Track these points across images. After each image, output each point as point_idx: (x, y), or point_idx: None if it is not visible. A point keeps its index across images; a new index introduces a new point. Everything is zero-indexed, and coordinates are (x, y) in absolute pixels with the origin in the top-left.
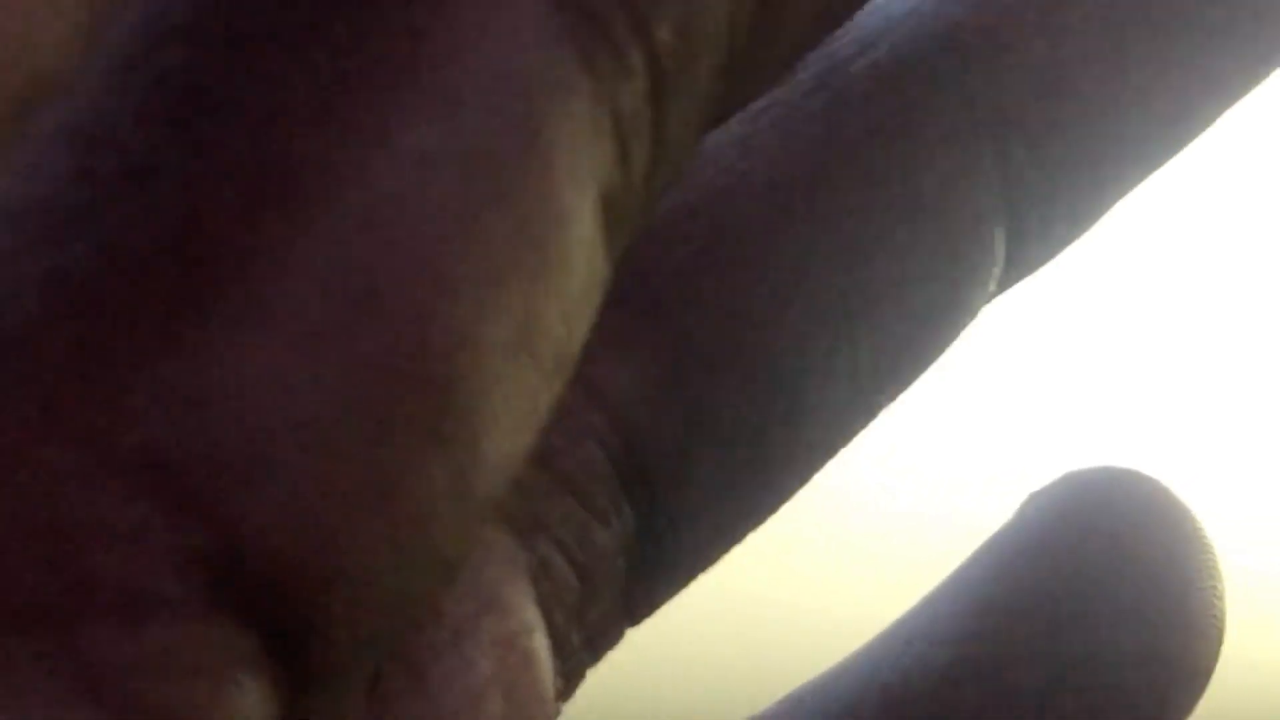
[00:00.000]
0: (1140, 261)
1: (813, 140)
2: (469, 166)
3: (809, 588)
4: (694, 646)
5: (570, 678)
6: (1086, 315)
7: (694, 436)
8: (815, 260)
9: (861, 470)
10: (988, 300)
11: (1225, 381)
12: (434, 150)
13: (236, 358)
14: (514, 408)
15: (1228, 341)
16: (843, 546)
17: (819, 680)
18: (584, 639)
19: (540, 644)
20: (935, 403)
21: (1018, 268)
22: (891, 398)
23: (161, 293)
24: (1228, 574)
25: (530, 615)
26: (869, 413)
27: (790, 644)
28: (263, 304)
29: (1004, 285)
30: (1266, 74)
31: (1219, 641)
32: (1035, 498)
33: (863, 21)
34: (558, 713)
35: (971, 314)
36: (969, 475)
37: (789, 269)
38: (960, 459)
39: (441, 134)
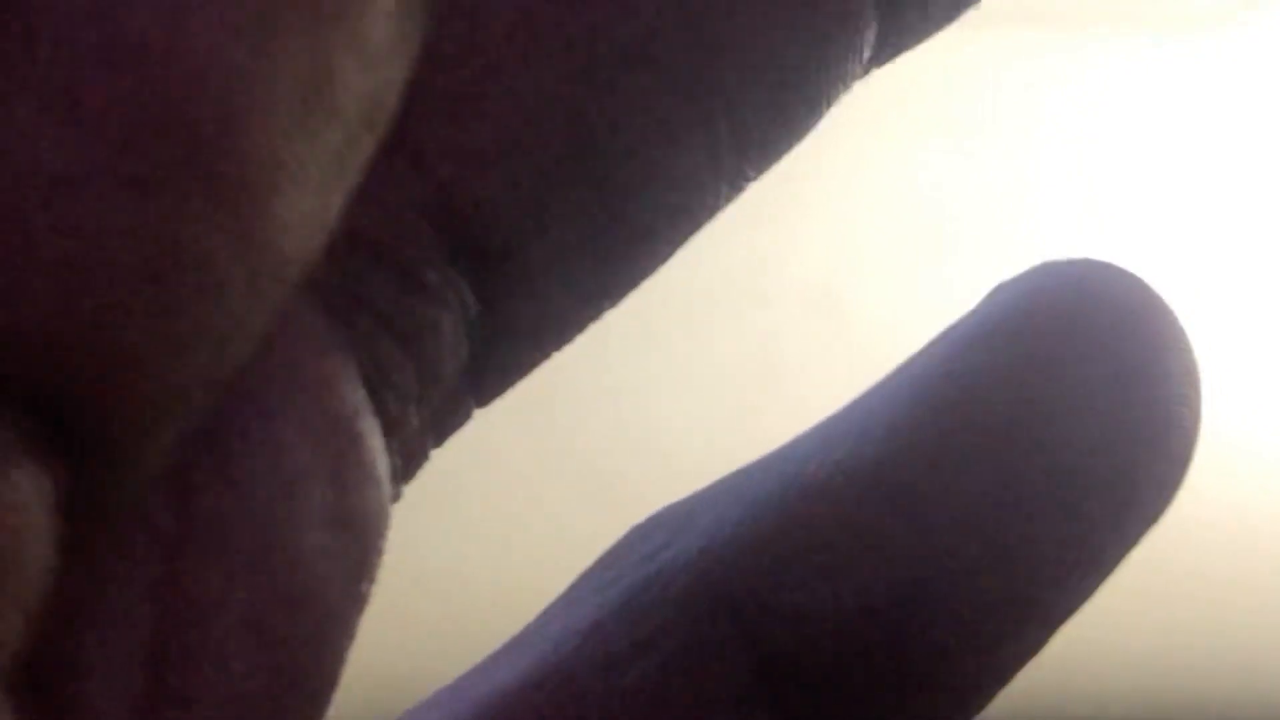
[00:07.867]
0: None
1: None
2: None
3: None
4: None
5: (411, 460)
6: None
7: (534, 209)
8: (663, 24)
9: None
10: (865, 69)
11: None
12: None
13: None
14: (311, 164)
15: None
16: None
17: (746, 469)
18: (425, 420)
19: (368, 425)
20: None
21: (897, 35)
22: (760, 170)
23: None
24: None
25: (352, 395)
26: (734, 185)
27: None
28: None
29: (884, 54)
30: None
31: (1194, 432)
32: (1002, 286)
33: None
34: (398, 495)
35: (842, 83)
36: None
37: (635, 35)
38: None
39: None
